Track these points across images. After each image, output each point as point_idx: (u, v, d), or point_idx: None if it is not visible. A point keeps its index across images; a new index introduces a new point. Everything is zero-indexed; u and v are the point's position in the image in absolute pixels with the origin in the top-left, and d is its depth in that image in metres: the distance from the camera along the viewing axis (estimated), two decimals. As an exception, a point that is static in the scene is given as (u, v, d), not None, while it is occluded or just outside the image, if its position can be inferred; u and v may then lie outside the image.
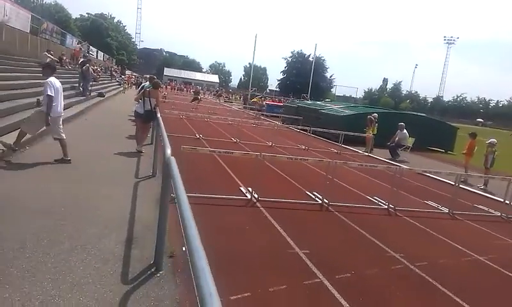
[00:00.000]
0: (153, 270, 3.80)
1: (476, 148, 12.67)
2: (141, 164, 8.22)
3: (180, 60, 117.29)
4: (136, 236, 4.53)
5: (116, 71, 44.87)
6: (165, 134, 5.57)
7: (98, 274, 3.53)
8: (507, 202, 8.18)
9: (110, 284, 3.41)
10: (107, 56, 54.32)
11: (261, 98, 44.74)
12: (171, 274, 3.81)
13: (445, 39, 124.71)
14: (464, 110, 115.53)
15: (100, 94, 21.81)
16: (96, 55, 42.41)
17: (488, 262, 5.43)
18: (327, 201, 7.09)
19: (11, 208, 4.72)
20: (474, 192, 10.47)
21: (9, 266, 3.42)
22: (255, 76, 67.47)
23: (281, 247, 4.91)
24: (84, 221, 4.67)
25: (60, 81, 7.43)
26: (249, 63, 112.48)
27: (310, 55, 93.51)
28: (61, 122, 7.51)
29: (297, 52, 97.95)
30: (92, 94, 19.98)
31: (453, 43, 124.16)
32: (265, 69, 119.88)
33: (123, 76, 44.98)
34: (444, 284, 4.49)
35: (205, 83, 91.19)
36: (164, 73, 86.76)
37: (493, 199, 9.70)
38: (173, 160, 3.54)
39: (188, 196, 5.52)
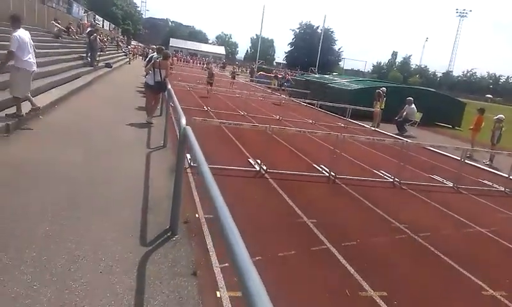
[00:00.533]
0: (169, 234, 4.01)
1: (483, 123, 12.67)
2: (152, 134, 8.39)
3: (186, 31, 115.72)
4: (151, 203, 4.73)
5: (122, 42, 44.54)
6: (178, 105, 5.70)
7: (118, 237, 3.74)
8: (511, 177, 8.30)
9: (130, 246, 3.63)
10: (113, 26, 53.72)
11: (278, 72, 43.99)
12: (186, 238, 4.02)
13: (457, 12, 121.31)
14: (474, 85, 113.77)
15: (108, 65, 21.81)
16: (102, 25, 41.95)
17: (490, 234, 5.60)
18: (334, 174, 7.24)
19: (32, 176, 4.93)
20: (479, 167, 10.57)
21: (33, 228, 3.64)
22: (262, 48, 66.57)
23: (290, 217, 5.10)
24: (102, 188, 4.87)
25: (67, 51, 7.46)
26: (256, 35, 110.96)
27: (318, 27, 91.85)
28: (31, 79, 7.31)
29: (306, 24, 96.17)
30: (100, 65, 20.01)
31: (465, 16, 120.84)
32: (272, 41, 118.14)
33: (129, 46, 44.69)
34: (446, 253, 4.68)
35: (211, 55, 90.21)
36: (170, 44, 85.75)
37: (497, 174, 9.81)
38: (189, 129, 3.68)
39: (196, 166, 5.69)
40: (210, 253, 3.82)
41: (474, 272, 4.29)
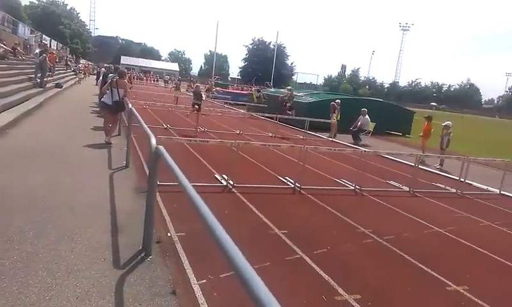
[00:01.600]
0: (142, 255, 3.95)
1: (432, 130, 13.51)
2: (112, 155, 8.20)
3: (138, 48, 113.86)
4: (120, 224, 4.64)
5: (70, 61, 43.07)
6: (144, 124, 5.64)
7: (90, 261, 3.64)
8: (462, 179, 8.90)
9: (104, 270, 3.54)
10: (61, 45, 51.86)
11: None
12: (161, 257, 3.98)
13: (400, 26, 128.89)
14: (419, 94, 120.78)
15: (58, 85, 21.00)
16: (50, 44, 40.39)
17: (447, 233, 5.98)
18: (299, 185, 7.43)
19: (-11, 203, 4.67)
20: (432, 171, 11.24)
21: (0, 258, 3.46)
22: (217, 64, 66.89)
23: (261, 229, 5.18)
24: (67, 212, 4.71)
25: (15, 72, 7.23)
26: (209, 51, 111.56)
27: (270, 42, 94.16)
28: None
29: (258, 40, 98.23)
30: (49, 85, 19.23)
31: (408, 29, 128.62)
32: (226, 57, 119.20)
33: (79, 65, 43.27)
34: (410, 254, 4.94)
35: (164, 71, 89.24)
36: (121, 62, 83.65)
37: (448, 177, 10.48)
38: (162, 149, 3.68)
39: (164, 185, 5.69)
40: (187, 271, 3.80)
41: (437, 269, 4.56)
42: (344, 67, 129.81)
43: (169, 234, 4.65)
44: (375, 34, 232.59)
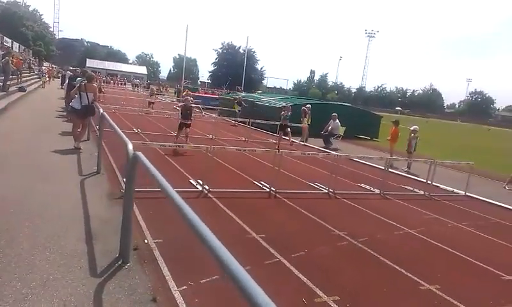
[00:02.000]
0: (120, 262, 3.87)
1: (400, 134, 13.97)
2: (82, 161, 7.98)
3: (104, 51, 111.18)
4: (95, 232, 4.52)
5: (34, 64, 41.53)
6: (119, 130, 5.53)
7: (66, 270, 3.53)
8: (429, 182, 9.26)
9: (81, 278, 3.44)
10: (23, 47, 49.86)
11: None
12: (139, 264, 3.91)
13: (366, 33, 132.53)
14: (385, 99, 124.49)
15: (21, 89, 20.20)
16: (12, 47, 38.79)
17: (418, 234, 6.20)
18: (274, 189, 7.49)
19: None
20: (400, 174, 11.62)
21: (-31, 270, 3.29)
22: (186, 67, 66.24)
23: (240, 233, 5.19)
24: (38, 220, 4.54)
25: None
26: (178, 54, 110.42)
27: (240, 47, 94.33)
28: None
29: (228, 44, 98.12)
30: (12, 89, 18.46)
31: (373, 36, 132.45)
32: (195, 60, 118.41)
33: (42, 68, 41.75)
34: (383, 255, 5.08)
35: (132, 75, 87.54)
36: (87, 65, 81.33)
37: (416, 179, 10.86)
38: (140, 155, 3.62)
39: (138, 191, 5.60)
40: (167, 278, 3.76)
41: (410, 269, 4.72)
42: (312, 72, 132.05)
43: (146, 241, 4.57)
44: (342, 40, 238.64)
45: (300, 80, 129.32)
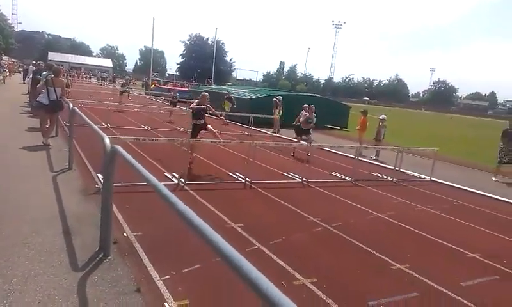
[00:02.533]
0: (101, 256, 3.89)
1: (368, 123, 14.40)
2: (52, 157, 7.81)
3: (66, 43, 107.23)
4: (72, 227, 4.50)
5: (-8, 57, 39.58)
6: (93, 125, 5.46)
7: (47, 266, 3.52)
8: (397, 168, 9.65)
9: (62, 273, 3.45)
10: (-21, 40, 47.39)
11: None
12: (120, 257, 3.94)
13: (333, 24, 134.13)
14: (352, 89, 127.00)
15: (-19, 84, 19.29)
16: (-34, 39, 36.81)
17: (387, 218, 6.50)
18: (249, 180, 7.61)
19: None
20: (369, 162, 12.02)
21: None
22: (153, 60, 64.82)
23: (218, 224, 5.27)
24: (14, 218, 4.47)
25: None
26: (144, 46, 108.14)
27: (208, 38, 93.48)
28: None
29: (196, 35, 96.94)
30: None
31: (340, 27, 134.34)
32: (162, 52, 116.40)
33: (2, 61, 39.88)
34: (356, 238, 5.32)
35: (96, 68, 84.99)
36: (49, 58, 78.18)
37: (384, 167, 11.27)
38: (119, 148, 3.63)
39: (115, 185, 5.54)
40: (149, 269, 3.81)
41: (381, 251, 4.98)
42: (282, 64, 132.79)
43: (125, 234, 4.59)
44: (310, 31, 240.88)
45: (270, 72, 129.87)
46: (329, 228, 5.67)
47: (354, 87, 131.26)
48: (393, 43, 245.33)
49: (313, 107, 12.51)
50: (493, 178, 11.51)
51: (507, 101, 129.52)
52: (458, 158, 14.66)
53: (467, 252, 5.28)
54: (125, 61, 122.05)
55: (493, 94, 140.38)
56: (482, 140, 25.35)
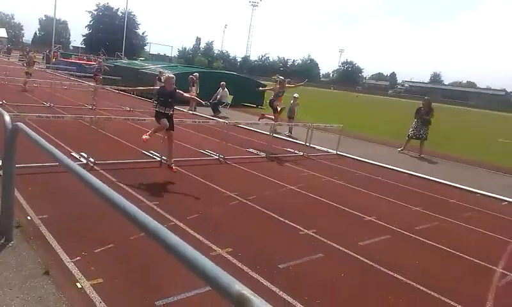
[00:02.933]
0: (2, 241, 3.63)
1: (282, 101, 14.91)
2: None
3: None
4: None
5: None
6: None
7: None
8: (307, 144, 10.26)
9: (-42, 263, 3.16)
10: None
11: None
12: (25, 242, 3.73)
13: (249, 2, 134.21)
14: (268, 68, 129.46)
15: None
16: None
17: (298, 189, 6.96)
18: (165, 158, 7.53)
19: None
20: (283, 138, 12.57)
21: None
22: (55, 30, 58.73)
23: (132, 202, 5.18)
24: None
25: None
26: (45, 15, 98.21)
27: (118, 9, 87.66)
28: None
29: (104, 6, 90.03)
30: None
31: (257, 5, 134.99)
32: (66, 22, 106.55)
33: None
34: (270, 209, 5.63)
35: (-12, 38, 75.02)
36: None
37: (297, 142, 11.88)
38: (22, 126, 3.38)
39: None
40: (58, 251, 3.67)
41: (292, 219, 5.34)
42: (198, 40, 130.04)
43: (29, 217, 4.32)
44: (227, 8, 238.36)
45: (185, 48, 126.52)
46: (245, 201, 5.91)
47: (269, 66, 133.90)
48: (307, 23, 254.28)
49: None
50: (399, 149, 12.69)
51: (406, 81, 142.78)
52: (362, 133, 15.93)
53: (365, 216, 5.91)
54: (22, 32, 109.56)
55: (393, 74, 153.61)
56: (383, 116, 27.87)
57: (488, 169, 11.23)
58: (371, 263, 4.34)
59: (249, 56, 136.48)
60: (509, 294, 4.08)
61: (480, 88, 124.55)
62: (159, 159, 7.58)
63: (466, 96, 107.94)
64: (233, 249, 4.22)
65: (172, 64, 33.02)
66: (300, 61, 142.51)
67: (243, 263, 3.97)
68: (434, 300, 3.75)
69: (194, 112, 16.58)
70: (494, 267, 4.60)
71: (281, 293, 3.51)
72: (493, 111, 75.95)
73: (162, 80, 8.12)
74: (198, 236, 4.42)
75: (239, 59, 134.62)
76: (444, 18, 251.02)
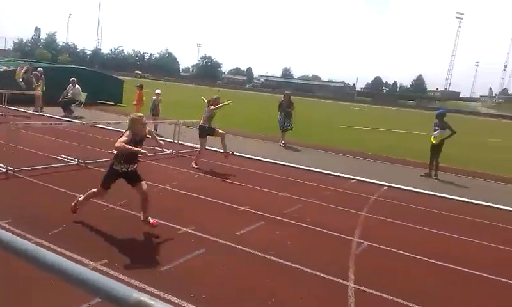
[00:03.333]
0: None
1: (144, 98, 14.39)
2: None
3: None
4: None
5: None
6: None
7: None
8: (176, 141, 10.13)
9: None
10: None
11: None
12: None
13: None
14: (122, 62, 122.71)
15: None
16: None
17: (172, 188, 6.88)
18: (12, 168, 6.54)
19: None
20: (149, 137, 12.09)
21: None
22: None
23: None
24: None
25: None
26: None
27: None
28: None
29: None
30: None
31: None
32: None
33: None
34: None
35: None
36: None
37: (164, 140, 11.55)
38: None
39: None
40: None
41: (168, 219, 5.26)
42: (38, 30, 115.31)
43: None
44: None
45: (22, 40, 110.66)
46: (115, 206, 5.58)
47: (124, 60, 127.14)
48: (163, 15, 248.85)
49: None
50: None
51: (261, 76, 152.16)
52: (231, 128, 16.31)
53: (239, 206, 6.18)
54: None
55: (250, 69, 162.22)
56: (246, 110, 29.24)
57: (337, 153, 12.88)
58: (250, 250, 4.60)
59: (100, 49, 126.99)
60: (365, 260, 4.78)
61: (324, 81, 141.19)
62: (3, 170, 6.54)
63: (313, 88, 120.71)
64: (108, 260, 3.97)
65: (6, 59, 28.47)
66: (158, 55, 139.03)
67: (121, 272, 3.77)
68: (308, 276, 4.16)
69: (41, 113, 14.72)
70: (351, 238, 5.35)
71: (166, 295, 3.45)
72: (335, 101, 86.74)
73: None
74: (66, 251, 4.00)
75: (89, 52, 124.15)
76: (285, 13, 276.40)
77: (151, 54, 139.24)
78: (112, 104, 22.16)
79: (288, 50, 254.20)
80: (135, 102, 14.34)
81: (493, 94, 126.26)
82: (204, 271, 4.06)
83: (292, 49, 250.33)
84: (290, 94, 14.46)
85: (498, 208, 7.64)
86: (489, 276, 4.59)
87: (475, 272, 4.65)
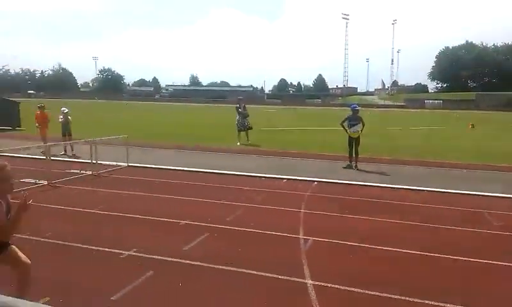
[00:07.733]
0: None
1: (49, 118, 13.13)
2: None
3: None
4: None
5: None
6: None
7: None
8: (94, 161, 9.44)
9: None
10: None
11: None
12: None
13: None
14: (10, 82, 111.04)
15: None
16: None
17: (99, 211, 6.41)
18: None
19: None
20: (65, 160, 11.18)
21: None
22: None
23: None
24: None
25: None
26: None
27: None
28: None
29: None
30: None
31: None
32: None
33: None
34: (75, 241, 5.04)
35: None
36: None
37: (81, 161, 10.74)
38: None
39: None
40: None
41: (105, 244, 4.93)
42: None
43: None
44: None
45: None
46: (42, 239, 5.14)
47: (12, 79, 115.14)
48: (55, 31, 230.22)
49: None
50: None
51: (168, 85, 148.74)
52: (149, 141, 15.59)
53: (180, 221, 5.97)
54: None
55: (155, 80, 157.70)
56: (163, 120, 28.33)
57: (264, 155, 13.13)
58: (201, 263, 4.47)
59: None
60: (315, 255, 4.92)
61: (233, 86, 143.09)
62: None
63: (223, 94, 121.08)
64: (52, 297, 3.61)
65: None
66: (51, 72, 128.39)
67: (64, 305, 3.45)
68: (266, 279, 4.18)
69: None
70: (297, 236, 5.50)
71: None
72: (247, 105, 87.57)
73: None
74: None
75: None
76: (185, 24, 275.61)
77: (42, 71, 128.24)
78: (10, 129, 19.92)
79: (194, 58, 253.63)
80: (37, 125, 13.01)
81: (386, 87, 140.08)
82: (158, 294, 3.87)
83: (197, 57, 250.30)
84: (244, 99, 18.81)
85: (420, 189, 8.37)
86: (427, 254, 5.07)
87: (405, 251, 5.10)
